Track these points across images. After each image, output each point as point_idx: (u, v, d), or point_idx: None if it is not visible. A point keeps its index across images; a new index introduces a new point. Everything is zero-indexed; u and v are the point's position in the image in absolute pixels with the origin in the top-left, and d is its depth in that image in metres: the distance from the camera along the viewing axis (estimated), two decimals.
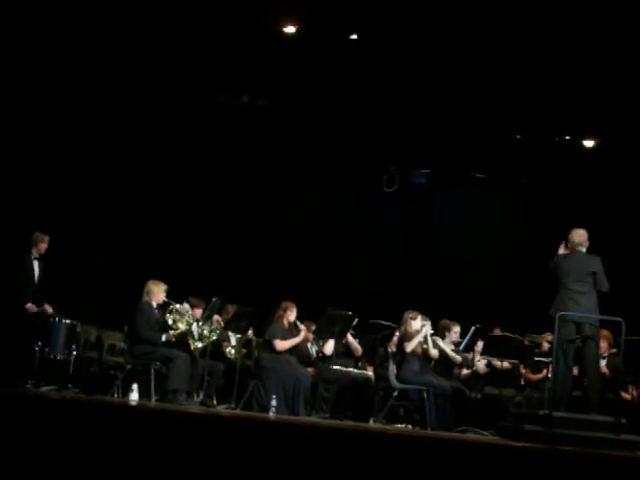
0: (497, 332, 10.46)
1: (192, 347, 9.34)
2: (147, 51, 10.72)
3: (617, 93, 10.84)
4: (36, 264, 9.47)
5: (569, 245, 8.45)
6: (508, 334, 9.97)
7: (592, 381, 8.22)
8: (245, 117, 12.17)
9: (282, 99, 11.99)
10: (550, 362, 8.74)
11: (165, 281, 9.32)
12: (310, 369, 9.96)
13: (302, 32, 10.40)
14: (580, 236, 8.40)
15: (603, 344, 9.48)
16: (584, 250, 8.40)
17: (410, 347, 9.47)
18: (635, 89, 10.70)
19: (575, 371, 8.70)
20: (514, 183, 13.39)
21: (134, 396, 8.80)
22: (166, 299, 9.19)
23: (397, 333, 9.96)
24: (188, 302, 9.56)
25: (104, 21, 10.20)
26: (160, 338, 9.01)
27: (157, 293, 9.17)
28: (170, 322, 9.13)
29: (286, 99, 11.95)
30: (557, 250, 8.51)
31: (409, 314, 9.65)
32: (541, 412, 7.86)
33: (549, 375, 9.02)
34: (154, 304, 9.16)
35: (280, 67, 11.07)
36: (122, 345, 9.63)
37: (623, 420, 7.75)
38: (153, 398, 8.78)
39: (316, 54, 10.78)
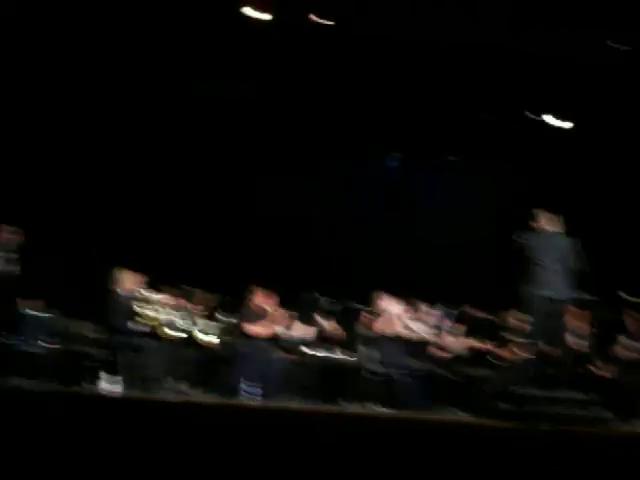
0: (470, 313, 10.50)
1: (164, 335, 9.30)
2: (126, 43, 10.63)
3: (590, 75, 10.89)
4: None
5: (539, 225, 8.49)
6: (481, 314, 10.03)
7: (565, 358, 8.29)
8: (222, 105, 12.09)
9: (259, 87, 11.92)
10: (521, 340, 8.81)
11: (135, 269, 9.26)
12: (284, 353, 9.95)
13: (277, 19, 10.36)
14: (552, 216, 8.46)
15: (574, 322, 9.56)
16: (560, 231, 8.45)
17: (383, 329, 9.48)
18: (605, 71, 10.77)
19: (548, 349, 8.77)
20: (488, 166, 13.42)
21: (105, 386, 8.74)
22: (137, 288, 9.14)
23: (371, 316, 9.97)
24: (160, 290, 9.52)
25: (80, 13, 10.10)
26: (131, 327, 8.96)
27: (127, 282, 9.13)
28: (142, 311, 9.09)
29: (262, 86, 11.89)
30: (536, 228, 8.54)
31: (381, 296, 9.67)
32: (514, 391, 7.92)
33: (521, 354, 9.09)
34: (125, 293, 9.10)
35: (256, 55, 11.01)
36: (94, 335, 9.55)
37: (594, 396, 7.83)
38: (127, 387, 8.74)
39: (291, 41, 10.74)
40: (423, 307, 10.19)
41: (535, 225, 8.53)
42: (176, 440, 5.22)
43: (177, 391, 9.19)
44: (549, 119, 12.28)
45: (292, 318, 10.02)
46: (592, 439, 6.37)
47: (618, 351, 9.93)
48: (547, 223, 8.47)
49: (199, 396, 9.29)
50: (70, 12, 10.11)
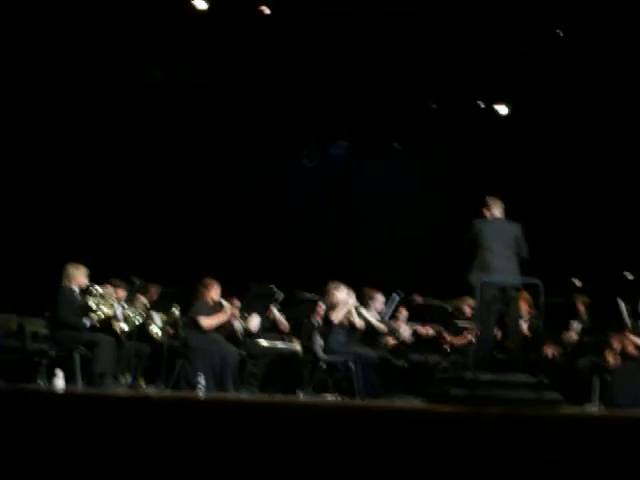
0: (417, 299, 10.59)
1: (117, 329, 9.25)
2: (62, 33, 10.51)
3: (529, 58, 11.01)
4: None
5: (489, 211, 8.58)
6: (431, 300, 10.12)
7: (515, 343, 8.39)
8: (159, 92, 12.01)
9: (196, 74, 11.87)
10: (473, 326, 8.90)
11: (85, 263, 9.19)
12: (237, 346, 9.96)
13: (214, 6, 10.31)
14: (498, 203, 8.55)
15: (523, 306, 9.69)
16: (502, 216, 8.55)
17: (335, 318, 9.53)
18: (547, 54, 10.89)
19: (497, 334, 8.88)
20: (432, 152, 13.52)
21: (59, 382, 8.68)
22: (87, 282, 9.08)
23: (322, 305, 10.01)
24: (110, 284, 9.46)
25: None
26: (83, 322, 8.91)
27: (77, 276, 9.06)
28: (93, 305, 9.03)
29: (200, 74, 11.84)
30: (483, 214, 8.62)
31: (332, 285, 9.70)
32: (466, 376, 7.99)
33: (472, 339, 9.19)
34: (75, 288, 9.04)
35: (194, 41, 10.95)
36: (45, 332, 9.47)
37: (545, 379, 7.95)
38: (79, 383, 8.69)
39: (229, 27, 10.69)
40: (375, 295, 10.25)
41: (485, 211, 8.61)
42: (131, 436, 5.21)
43: (131, 386, 9.16)
44: (491, 104, 12.44)
45: (246, 310, 10.03)
46: (543, 421, 6.47)
47: (569, 335, 10.09)
48: (496, 209, 8.55)
49: (154, 390, 9.26)
50: None
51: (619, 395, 9.14)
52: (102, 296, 9.09)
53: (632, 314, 9.54)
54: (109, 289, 9.27)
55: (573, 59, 10.95)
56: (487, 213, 8.58)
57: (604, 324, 9.61)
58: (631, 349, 9.56)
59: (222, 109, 12.29)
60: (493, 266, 8.23)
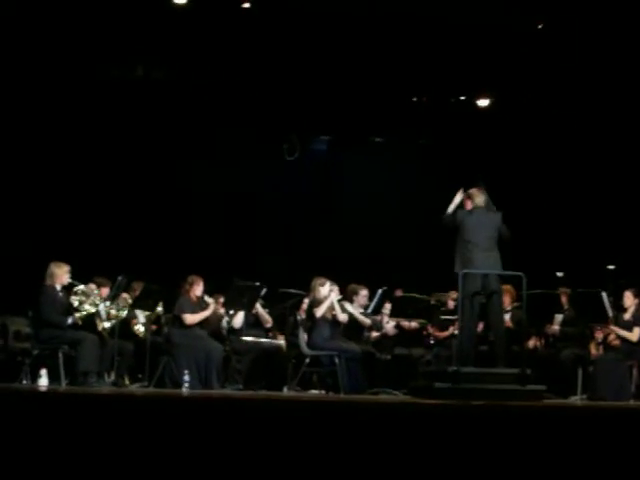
0: (399, 293, 10.61)
1: (100, 327, 9.23)
2: (39, 32, 10.45)
3: (508, 52, 11.04)
4: None
5: (471, 202, 8.58)
6: (414, 294, 10.14)
7: (498, 335, 8.42)
8: (140, 90, 11.97)
9: (177, 70, 11.84)
10: (456, 320, 8.93)
11: (68, 262, 9.16)
12: (222, 341, 9.95)
13: (193, 2, 10.28)
14: (481, 194, 8.55)
15: (506, 298, 9.71)
16: (484, 207, 8.55)
17: (319, 313, 9.53)
18: (525, 47, 10.92)
19: (480, 326, 8.91)
20: (413, 145, 13.55)
21: (43, 381, 8.66)
22: (70, 280, 9.05)
23: (306, 300, 10.01)
24: (93, 282, 9.42)
25: None
26: (66, 321, 8.89)
27: (60, 275, 9.02)
28: (76, 304, 9.01)
29: (181, 70, 11.80)
30: (465, 206, 8.62)
31: (317, 280, 9.70)
32: (449, 369, 8.03)
33: (456, 332, 9.22)
34: (58, 286, 9.01)
35: (174, 38, 10.91)
36: (28, 330, 9.44)
37: (528, 371, 7.98)
38: (63, 382, 8.67)
39: (209, 23, 10.66)
40: (359, 290, 10.26)
41: (467, 202, 8.61)
42: (115, 434, 5.20)
43: (115, 384, 9.15)
44: (472, 98, 12.48)
45: (230, 306, 10.02)
46: (526, 413, 6.50)
47: (552, 327, 10.14)
48: (479, 200, 8.55)
49: (139, 388, 9.25)
50: None
51: (602, 386, 9.20)
52: (85, 294, 9.06)
53: (614, 306, 9.60)
54: (92, 287, 9.24)
55: (553, 53, 10.99)
56: (469, 204, 8.58)
57: (587, 316, 9.66)
58: (614, 340, 9.63)
59: (204, 105, 12.26)
60: (475, 260, 8.24)
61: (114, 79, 11.76)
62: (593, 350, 9.91)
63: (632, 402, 9.00)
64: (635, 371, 9.31)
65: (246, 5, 10.41)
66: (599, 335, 10.08)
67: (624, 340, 9.42)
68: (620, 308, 9.61)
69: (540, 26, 10.63)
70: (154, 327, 10.05)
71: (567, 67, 11.21)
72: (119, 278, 9.48)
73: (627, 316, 9.48)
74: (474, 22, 10.48)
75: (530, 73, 11.45)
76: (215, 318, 10.02)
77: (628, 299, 9.50)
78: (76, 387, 8.49)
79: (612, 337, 9.64)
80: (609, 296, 9.42)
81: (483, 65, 11.31)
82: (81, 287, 9.07)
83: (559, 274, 10.78)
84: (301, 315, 10.15)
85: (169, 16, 10.43)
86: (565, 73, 11.35)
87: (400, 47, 10.95)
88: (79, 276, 9.22)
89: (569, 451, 5.55)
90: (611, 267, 11.01)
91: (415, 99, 12.66)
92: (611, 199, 12.35)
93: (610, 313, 9.40)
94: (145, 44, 10.99)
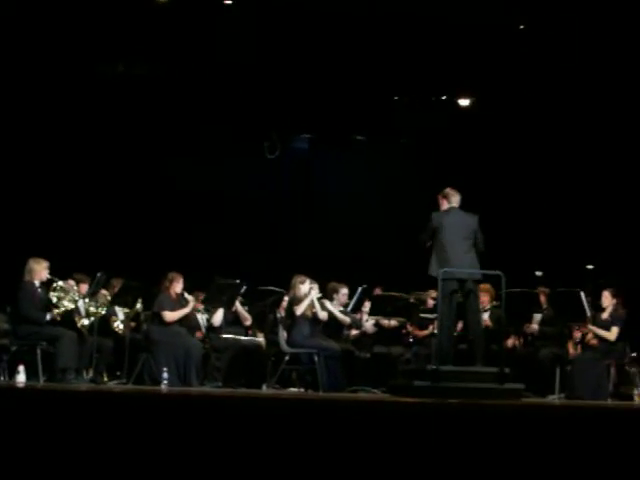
0: (379, 292, 10.63)
1: (79, 324, 9.19)
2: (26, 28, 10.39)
3: (489, 52, 11.07)
4: None
5: (447, 202, 8.58)
6: (394, 293, 10.15)
7: (476, 335, 8.44)
8: (122, 86, 11.93)
9: (159, 66, 11.80)
10: (435, 318, 8.95)
11: (47, 258, 9.12)
12: (200, 337, 9.92)
13: None
14: (457, 195, 8.56)
15: (485, 297, 9.76)
16: (458, 206, 8.55)
17: (299, 311, 9.53)
18: (507, 47, 10.97)
19: (460, 325, 8.93)
20: (394, 144, 13.58)
21: (21, 378, 8.61)
22: (49, 276, 9.01)
23: (286, 298, 10.01)
24: (72, 278, 9.38)
25: None
26: (45, 317, 8.85)
27: (39, 271, 8.98)
28: (55, 300, 8.97)
29: (163, 66, 11.76)
30: (440, 207, 8.62)
31: (298, 278, 9.70)
32: (429, 367, 8.04)
33: (435, 331, 9.24)
34: (37, 282, 8.96)
35: (156, 35, 10.87)
36: (6, 326, 9.39)
37: (507, 370, 8.01)
38: (41, 379, 8.62)
39: (191, 19, 10.63)
40: (339, 288, 10.28)
41: (443, 202, 8.60)
42: (94, 431, 5.18)
43: (93, 381, 9.11)
44: (454, 97, 12.53)
45: (210, 303, 10.00)
46: (505, 411, 6.53)
47: (531, 326, 10.19)
48: (454, 200, 8.56)
49: (117, 385, 9.22)
50: None
51: (579, 385, 9.25)
52: (64, 290, 9.02)
53: (593, 305, 9.65)
54: (71, 283, 9.19)
55: (534, 53, 11.04)
56: (445, 204, 8.57)
57: (565, 315, 9.71)
58: (592, 340, 9.68)
59: (185, 101, 12.23)
60: (452, 259, 8.24)
61: (96, 75, 11.70)
62: (571, 349, 9.97)
63: (609, 401, 9.06)
64: (613, 370, 9.38)
65: (228, 2, 10.39)
66: (577, 334, 10.13)
67: (602, 339, 9.47)
68: (598, 308, 9.66)
69: (522, 26, 10.68)
70: (133, 324, 10.01)
71: (548, 67, 11.26)
72: (98, 274, 9.43)
73: (605, 316, 9.54)
74: (456, 22, 10.51)
75: (511, 73, 11.49)
76: (194, 315, 10.00)
77: (606, 299, 9.56)
78: (54, 384, 8.45)
79: (590, 336, 9.70)
80: (587, 296, 9.47)
81: (464, 65, 11.34)
82: (60, 283, 9.02)
83: (538, 273, 10.83)
84: (281, 313, 10.14)
85: (151, 12, 10.39)
86: (546, 73, 11.39)
87: (382, 46, 10.96)
88: (58, 272, 9.17)
89: (547, 449, 5.58)
90: (590, 267, 11.08)
91: (397, 98, 12.68)
92: (591, 199, 12.41)
93: (588, 312, 9.45)
94: (127, 40, 10.95)
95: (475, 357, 8.33)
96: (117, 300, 9.66)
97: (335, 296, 10.22)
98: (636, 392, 9.30)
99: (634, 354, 9.75)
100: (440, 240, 8.28)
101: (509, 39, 10.84)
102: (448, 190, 8.58)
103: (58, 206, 11.91)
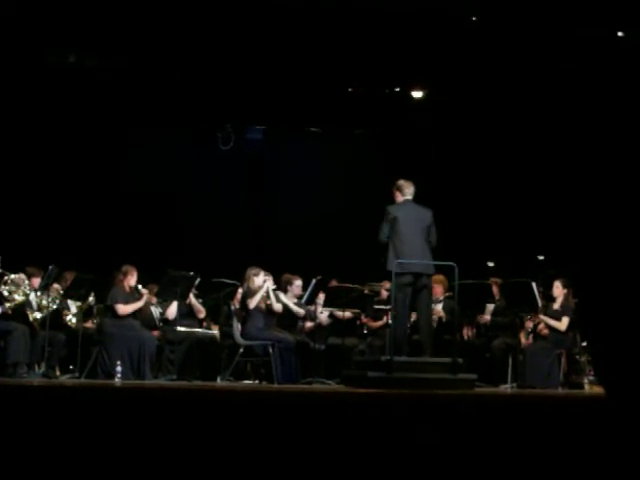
0: (334, 284, 10.66)
1: (31, 318, 9.10)
2: None
3: (443, 44, 11.13)
4: None
5: (401, 194, 8.62)
6: (348, 284, 10.19)
7: (426, 326, 8.52)
8: (74, 77, 11.79)
9: (112, 57, 11.68)
10: (390, 309, 9.00)
11: (2, 252, 9.02)
12: (155, 332, 9.89)
13: None
14: (411, 186, 8.61)
15: (438, 289, 9.84)
16: (412, 199, 8.60)
17: (253, 303, 9.53)
18: (460, 39, 11.03)
19: (414, 316, 9.00)
20: (347, 136, 13.61)
21: None
22: (0, 270, 8.90)
23: (240, 290, 10.00)
24: (24, 272, 9.28)
25: None
26: None
27: None
28: (5, 293, 8.87)
29: (117, 57, 11.65)
30: (394, 200, 8.66)
31: (251, 270, 9.70)
32: (382, 358, 8.10)
33: (389, 322, 9.30)
34: None
35: (108, 25, 10.76)
36: None
37: (460, 360, 8.09)
38: None
39: (144, 8, 10.53)
40: (293, 280, 10.29)
41: (397, 194, 8.64)
42: (46, 426, 5.14)
43: (46, 375, 9.03)
44: (407, 89, 12.58)
45: (163, 296, 9.95)
46: (457, 401, 6.59)
47: (484, 317, 10.30)
48: (408, 192, 8.60)
49: (70, 379, 9.14)
50: None
51: (531, 375, 9.37)
52: (15, 284, 8.92)
53: (544, 296, 9.77)
54: (22, 277, 9.09)
55: (486, 45, 11.11)
56: (399, 196, 8.61)
57: (517, 306, 9.82)
58: (543, 330, 9.80)
59: (138, 93, 12.13)
60: (407, 252, 8.29)
61: (47, 66, 11.56)
62: (523, 339, 10.08)
63: (560, 390, 9.19)
64: (563, 359, 9.50)
65: None
66: (529, 324, 10.25)
67: (553, 329, 9.59)
68: (550, 298, 9.78)
69: (474, 18, 10.75)
70: (88, 317, 9.92)
71: (500, 59, 11.35)
72: (50, 268, 9.34)
73: (556, 306, 9.66)
74: (410, 13, 10.54)
75: (464, 65, 11.56)
76: (148, 308, 9.95)
77: (557, 289, 9.68)
78: (6, 378, 8.36)
79: (542, 326, 9.82)
80: (539, 286, 9.58)
81: (418, 57, 11.39)
82: (11, 276, 8.92)
83: (490, 264, 10.93)
84: (235, 305, 10.13)
85: (106, 3, 10.28)
86: (498, 65, 11.48)
87: (336, 37, 10.96)
88: (10, 265, 9.07)
89: (499, 438, 5.64)
90: (541, 257, 11.21)
91: (351, 90, 12.70)
92: (541, 190, 12.54)
93: (540, 303, 9.57)
94: (80, 31, 10.82)
95: (423, 348, 8.40)
96: (69, 293, 9.57)
97: (289, 288, 10.22)
98: (586, 381, 9.44)
99: (584, 343, 9.89)
100: (396, 233, 8.32)
101: (462, 31, 10.90)
102: (401, 182, 8.61)
103: (9, 199, 11.76)
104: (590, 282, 2.80)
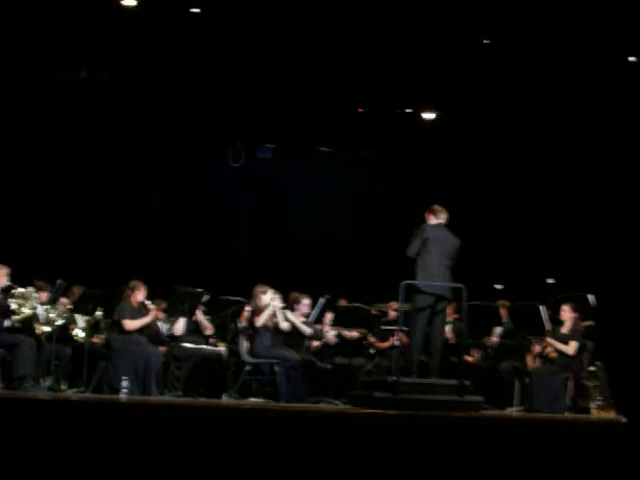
0: (343, 303, 10.64)
1: (38, 331, 9.10)
2: None
3: (455, 67, 11.17)
4: None
5: (435, 218, 8.62)
6: (356, 304, 10.18)
7: (436, 348, 8.49)
8: (85, 92, 11.85)
9: (124, 72, 11.75)
10: (397, 330, 8.98)
11: (7, 264, 9.03)
12: (161, 348, 9.88)
13: (142, 4, 10.20)
14: (445, 213, 8.65)
15: (447, 310, 9.81)
16: (445, 224, 8.64)
17: (260, 321, 9.52)
18: (470, 61, 11.07)
19: (422, 339, 8.96)
20: (357, 156, 13.64)
21: None
22: (9, 283, 8.91)
23: (247, 308, 9.99)
24: (33, 285, 9.29)
25: None
26: (3, 324, 8.75)
27: (0, 277, 8.89)
28: (14, 307, 8.88)
29: (128, 72, 11.72)
30: (427, 221, 8.65)
31: (259, 288, 9.69)
32: (389, 379, 8.06)
33: (396, 343, 9.27)
34: None
35: (121, 40, 10.82)
36: None
37: (467, 382, 8.06)
38: (2, 386, 8.52)
39: (157, 26, 10.60)
40: (301, 299, 10.27)
41: (430, 217, 8.64)
42: (52, 439, 5.14)
43: (52, 389, 9.02)
44: (419, 110, 12.61)
45: (172, 312, 9.94)
46: (464, 423, 6.57)
47: (492, 339, 10.27)
48: (442, 217, 8.63)
49: (76, 393, 9.13)
50: None
51: (538, 398, 9.33)
52: (24, 297, 8.93)
53: (552, 319, 9.74)
54: (31, 290, 9.11)
55: (499, 68, 11.15)
56: (432, 219, 8.62)
57: (525, 329, 9.78)
58: (551, 353, 9.76)
59: (150, 110, 12.19)
60: (435, 274, 8.30)
61: (58, 81, 11.62)
62: (530, 362, 10.04)
63: (567, 414, 9.14)
64: (570, 383, 9.46)
65: (195, 10, 10.37)
66: (537, 348, 10.21)
67: (561, 353, 9.55)
68: (557, 322, 9.75)
69: (486, 41, 10.78)
70: (95, 332, 9.91)
71: (512, 82, 11.37)
72: (58, 282, 9.35)
73: (564, 330, 9.62)
74: (422, 36, 10.59)
75: (475, 87, 11.59)
76: (155, 324, 9.94)
77: (565, 313, 9.64)
78: (12, 391, 8.35)
79: (549, 350, 9.78)
80: (547, 309, 9.56)
81: (430, 79, 11.43)
82: (20, 290, 8.93)
83: (498, 287, 10.91)
84: (242, 322, 10.12)
85: (119, 18, 10.34)
86: (510, 88, 11.51)
87: (348, 58, 11.01)
88: (19, 279, 9.08)
89: (505, 461, 5.62)
90: (550, 281, 11.17)
91: (361, 110, 12.74)
92: (552, 214, 12.53)
93: (548, 326, 9.53)
94: (91, 46, 10.89)
95: (431, 370, 8.38)
96: (77, 308, 9.57)
97: (297, 306, 10.20)
98: (593, 405, 9.40)
99: (592, 368, 9.85)
100: (428, 252, 8.33)
101: (474, 54, 10.94)
102: (437, 207, 8.68)
103: (19, 212, 11.79)
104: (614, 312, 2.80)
